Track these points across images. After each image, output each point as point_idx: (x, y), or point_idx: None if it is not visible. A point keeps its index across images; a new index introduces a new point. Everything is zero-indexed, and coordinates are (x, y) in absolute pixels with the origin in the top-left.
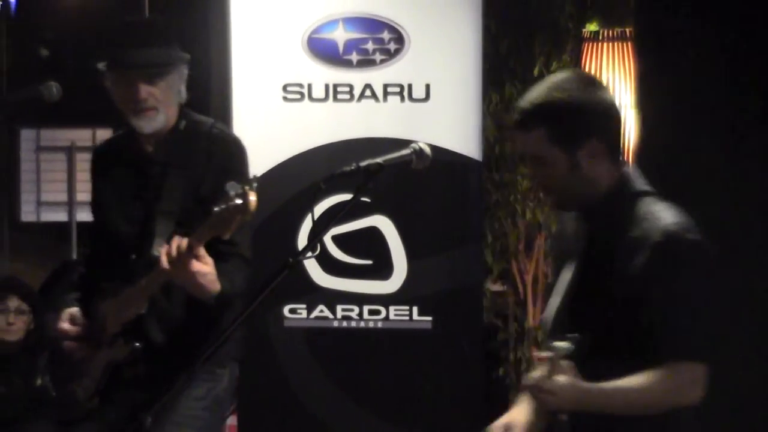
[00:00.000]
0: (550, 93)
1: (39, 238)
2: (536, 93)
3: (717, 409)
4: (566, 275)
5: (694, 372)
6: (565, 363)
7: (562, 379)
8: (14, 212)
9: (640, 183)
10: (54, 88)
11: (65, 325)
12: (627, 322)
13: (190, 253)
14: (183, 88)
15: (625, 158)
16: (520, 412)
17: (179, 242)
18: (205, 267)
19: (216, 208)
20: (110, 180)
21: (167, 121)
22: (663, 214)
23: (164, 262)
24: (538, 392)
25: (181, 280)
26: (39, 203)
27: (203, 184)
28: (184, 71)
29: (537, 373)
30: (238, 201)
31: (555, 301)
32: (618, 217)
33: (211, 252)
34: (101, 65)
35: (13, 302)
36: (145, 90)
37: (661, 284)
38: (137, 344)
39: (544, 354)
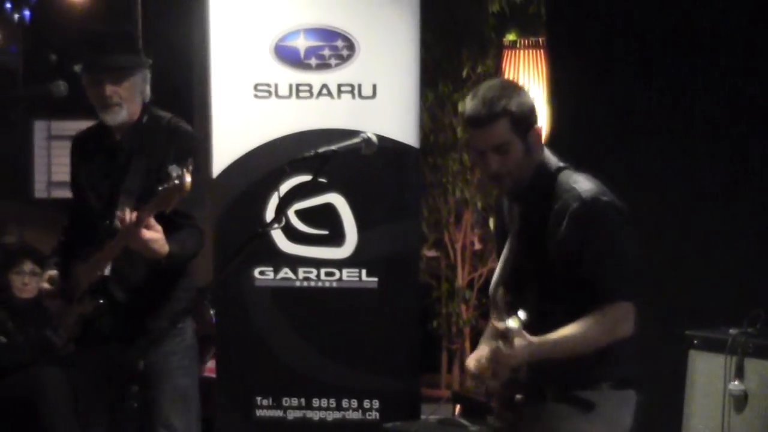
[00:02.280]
0: (502, 92)
1: (49, 212)
2: (491, 94)
3: None
4: (506, 251)
5: (624, 310)
6: (515, 331)
7: (516, 342)
8: (29, 190)
9: (555, 161)
10: (62, 86)
11: (45, 285)
12: (564, 281)
13: (140, 223)
14: (147, 88)
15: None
16: (485, 348)
17: (130, 215)
18: (154, 234)
19: (160, 188)
20: (85, 162)
21: (130, 115)
22: (578, 185)
23: (119, 227)
24: (497, 360)
25: (135, 245)
26: (50, 183)
27: (161, 167)
28: (147, 74)
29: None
30: (176, 182)
31: (498, 272)
32: (543, 193)
33: (168, 223)
34: (77, 68)
35: (28, 266)
36: (110, 89)
37: (585, 243)
38: (101, 301)
39: (498, 326)
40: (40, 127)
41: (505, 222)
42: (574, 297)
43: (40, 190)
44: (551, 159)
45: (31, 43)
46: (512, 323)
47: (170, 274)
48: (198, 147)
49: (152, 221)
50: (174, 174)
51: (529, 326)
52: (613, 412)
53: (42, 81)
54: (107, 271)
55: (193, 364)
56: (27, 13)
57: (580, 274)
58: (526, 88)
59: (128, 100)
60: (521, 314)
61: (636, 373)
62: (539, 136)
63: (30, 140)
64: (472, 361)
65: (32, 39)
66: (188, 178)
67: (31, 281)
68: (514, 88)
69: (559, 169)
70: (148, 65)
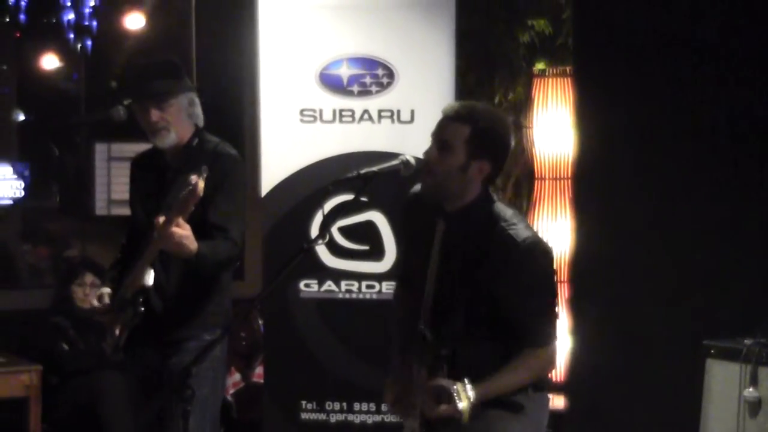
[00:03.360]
0: (496, 117)
1: (109, 228)
2: (488, 110)
3: None
4: (430, 267)
5: (551, 352)
6: (460, 392)
7: (460, 404)
8: (90, 208)
9: (495, 197)
10: (121, 111)
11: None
12: (492, 315)
13: (169, 223)
14: (196, 111)
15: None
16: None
17: (161, 219)
18: (183, 231)
19: (180, 194)
20: (138, 182)
21: (179, 138)
22: (515, 229)
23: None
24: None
25: (167, 244)
26: (109, 201)
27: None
28: (193, 97)
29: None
30: (190, 187)
31: (429, 289)
32: (477, 226)
33: (204, 234)
34: (126, 102)
35: (88, 278)
36: (155, 114)
37: (517, 290)
38: (141, 309)
39: (435, 385)
40: (100, 149)
41: (416, 232)
42: (501, 329)
43: (100, 208)
44: (492, 196)
45: (92, 71)
46: (461, 404)
47: (203, 288)
48: (237, 169)
49: (181, 221)
50: (192, 181)
51: (453, 354)
52: (536, 412)
53: (102, 106)
54: (149, 282)
55: (218, 377)
56: (89, 42)
57: (510, 317)
58: (513, 138)
59: (175, 123)
60: (469, 390)
61: (549, 381)
62: (482, 171)
63: (91, 161)
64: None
65: (93, 67)
66: (201, 185)
67: (92, 293)
68: (502, 124)
69: (495, 207)
70: (193, 89)
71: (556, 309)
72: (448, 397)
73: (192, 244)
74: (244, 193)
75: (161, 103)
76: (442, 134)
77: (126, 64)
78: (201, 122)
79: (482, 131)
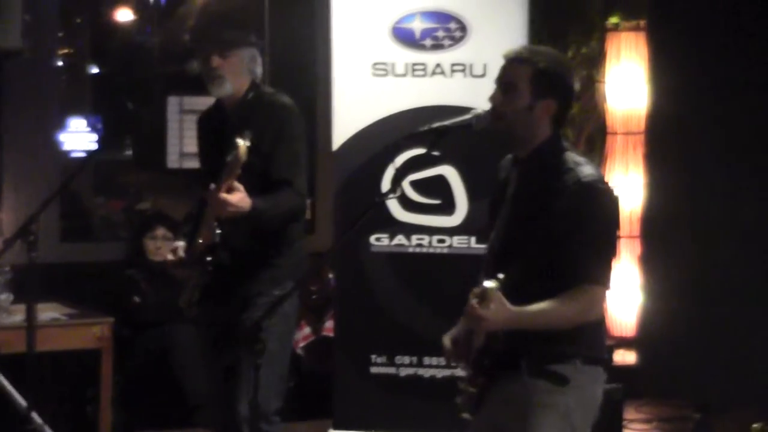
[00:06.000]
0: (557, 58)
1: (181, 180)
2: (549, 51)
3: None
4: (502, 214)
5: (599, 294)
6: (493, 294)
7: (492, 305)
8: (162, 161)
9: (566, 143)
10: (194, 65)
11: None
12: (550, 254)
13: (218, 191)
14: (256, 68)
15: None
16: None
17: (211, 187)
18: (231, 197)
19: (227, 159)
20: (203, 136)
21: (235, 90)
22: (579, 168)
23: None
24: (472, 318)
25: (220, 210)
26: (181, 154)
27: (262, 141)
28: (255, 54)
29: (472, 302)
30: (234, 152)
31: (493, 236)
32: (546, 168)
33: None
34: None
35: (161, 231)
36: (216, 61)
37: (574, 224)
38: (210, 267)
39: (477, 289)
40: (173, 102)
41: (501, 187)
42: (553, 274)
43: (173, 161)
44: (563, 139)
45: (165, 24)
46: (490, 283)
47: (271, 243)
48: (293, 118)
49: (234, 184)
50: (237, 145)
51: (506, 293)
52: (586, 385)
53: (176, 60)
54: (217, 238)
55: (287, 332)
56: None
57: (564, 252)
58: (577, 74)
59: (233, 74)
60: (500, 276)
61: (604, 355)
62: (548, 110)
63: (164, 114)
64: (447, 338)
65: (167, 20)
66: (243, 149)
67: (164, 245)
68: (560, 62)
69: (565, 150)
70: (257, 45)
71: (613, 252)
72: (482, 297)
73: (245, 204)
74: (304, 141)
75: (224, 51)
76: (505, 77)
77: (198, 12)
78: (258, 78)
79: (544, 70)
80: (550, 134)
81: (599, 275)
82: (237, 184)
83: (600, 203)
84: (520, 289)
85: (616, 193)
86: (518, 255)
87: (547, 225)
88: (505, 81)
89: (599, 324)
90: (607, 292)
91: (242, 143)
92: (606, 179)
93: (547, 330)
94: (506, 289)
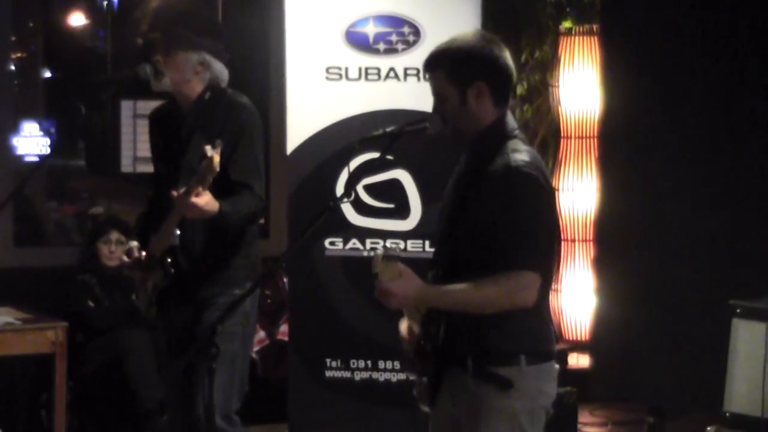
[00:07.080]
0: (451, 42)
1: (135, 185)
2: (457, 38)
3: None
4: (445, 200)
5: (527, 279)
6: (394, 264)
7: (400, 280)
8: (116, 165)
9: (512, 127)
10: (147, 69)
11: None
12: (480, 239)
13: (188, 196)
14: (204, 75)
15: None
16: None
17: (179, 192)
18: (200, 200)
19: (200, 166)
20: (157, 137)
21: (186, 90)
22: (512, 154)
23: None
24: (380, 293)
25: (189, 212)
26: (135, 158)
27: (221, 141)
28: (207, 59)
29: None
30: (206, 162)
31: (437, 222)
32: (487, 152)
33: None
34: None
35: (114, 235)
36: (158, 56)
37: (500, 209)
38: (171, 269)
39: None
40: (126, 107)
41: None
42: (486, 259)
43: (126, 165)
44: (508, 124)
45: (118, 28)
46: (380, 251)
47: (229, 244)
48: (251, 119)
49: (200, 189)
50: (208, 154)
51: (443, 278)
52: (533, 385)
53: (128, 64)
54: (176, 241)
55: (246, 331)
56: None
57: (492, 237)
58: (503, 47)
59: (177, 72)
60: (388, 244)
61: (552, 348)
62: (480, 93)
63: (117, 119)
64: (404, 325)
65: (119, 24)
66: (217, 159)
67: (118, 250)
68: (475, 42)
69: (509, 137)
70: (209, 50)
71: (545, 239)
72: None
73: (213, 207)
74: (262, 141)
75: (169, 49)
76: (432, 88)
77: (152, 13)
78: (221, 83)
79: (454, 62)
80: (495, 116)
81: (527, 260)
82: (202, 190)
83: (526, 189)
84: (456, 275)
85: (539, 177)
86: (453, 241)
87: (477, 210)
88: (434, 92)
89: (539, 315)
90: (540, 279)
91: (214, 153)
92: (538, 166)
93: (480, 318)
94: (444, 274)
